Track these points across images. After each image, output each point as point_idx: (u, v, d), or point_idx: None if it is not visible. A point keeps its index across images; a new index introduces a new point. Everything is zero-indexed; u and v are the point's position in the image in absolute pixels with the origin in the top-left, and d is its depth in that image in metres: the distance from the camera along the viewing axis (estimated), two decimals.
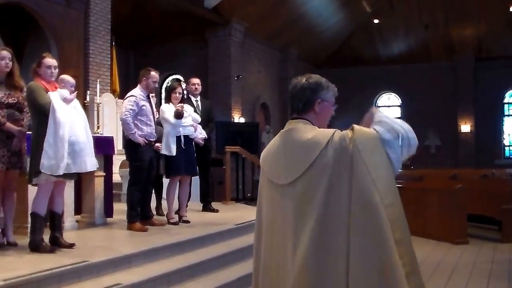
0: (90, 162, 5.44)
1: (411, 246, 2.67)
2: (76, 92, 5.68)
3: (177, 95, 7.42)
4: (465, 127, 22.85)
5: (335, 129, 2.72)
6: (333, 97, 2.91)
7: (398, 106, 24.87)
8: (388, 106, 25.13)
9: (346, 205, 2.58)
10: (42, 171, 5.10)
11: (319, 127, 2.80)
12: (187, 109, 7.48)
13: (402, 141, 2.73)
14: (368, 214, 2.56)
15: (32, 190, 5.62)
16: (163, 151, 7.18)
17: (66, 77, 5.74)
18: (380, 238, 2.55)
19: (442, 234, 9.92)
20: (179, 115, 7.19)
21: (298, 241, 2.64)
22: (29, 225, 5.52)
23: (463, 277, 7.32)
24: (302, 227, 2.63)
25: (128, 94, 6.97)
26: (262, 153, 2.98)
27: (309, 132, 2.73)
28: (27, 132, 5.55)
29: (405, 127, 2.76)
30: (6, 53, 5.53)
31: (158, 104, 7.67)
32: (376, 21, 22.21)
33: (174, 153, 7.14)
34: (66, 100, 5.34)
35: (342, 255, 2.56)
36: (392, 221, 2.59)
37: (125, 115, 6.74)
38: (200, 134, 7.80)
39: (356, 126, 2.70)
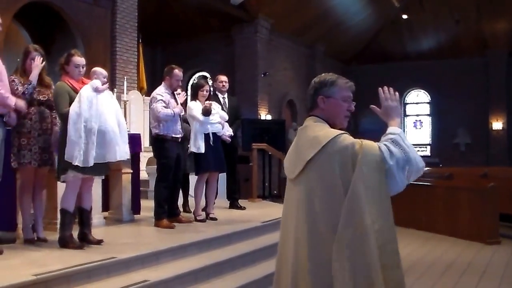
0: (119, 152, 5.43)
1: (399, 272, 2.66)
2: (107, 83, 5.70)
3: (205, 92, 7.41)
4: (497, 124, 22.41)
5: (342, 132, 2.77)
6: (340, 92, 2.94)
7: (427, 103, 24.58)
8: (417, 103, 24.88)
9: (338, 214, 2.63)
10: (73, 163, 5.11)
11: (331, 123, 2.90)
12: (215, 106, 7.47)
13: (409, 166, 2.72)
14: (357, 235, 2.59)
15: (61, 187, 5.66)
16: (192, 149, 7.17)
17: (99, 69, 5.77)
18: (365, 262, 2.57)
19: (473, 233, 9.77)
20: (207, 112, 7.18)
21: (296, 238, 2.75)
22: (58, 221, 5.56)
23: (495, 278, 7.19)
24: (300, 223, 2.75)
25: (153, 94, 6.96)
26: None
27: (317, 130, 2.83)
28: (56, 129, 5.59)
29: (412, 150, 2.75)
30: (37, 55, 5.55)
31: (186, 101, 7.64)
32: (405, 16, 21.94)
33: (202, 150, 7.12)
34: (98, 90, 5.36)
35: (328, 264, 2.62)
36: (380, 246, 2.60)
37: (159, 111, 6.70)
38: (227, 131, 7.78)
39: (365, 141, 2.72)
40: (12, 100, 5.09)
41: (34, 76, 5.43)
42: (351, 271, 2.55)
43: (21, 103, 5.23)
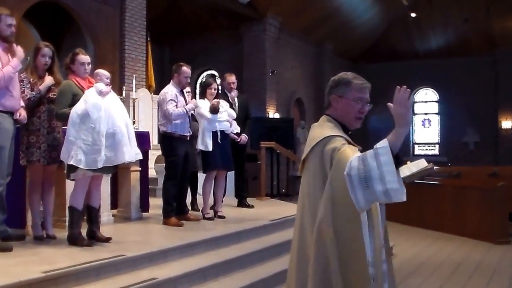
0: (128, 153, 5.44)
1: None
2: (110, 85, 5.71)
3: (213, 91, 7.42)
4: (506, 123, 22.25)
5: (331, 134, 2.80)
6: (353, 92, 2.91)
7: (436, 101, 24.50)
8: (425, 102, 24.80)
9: (315, 211, 2.77)
10: (80, 167, 5.13)
11: (343, 123, 2.94)
12: (223, 104, 7.47)
13: (371, 185, 2.50)
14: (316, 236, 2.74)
15: (70, 184, 5.68)
16: (199, 147, 7.18)
17: (101, 71, 5.79)
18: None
19: (482, 233, 9.74)
20: (215, 110, 7.18)
21: (295, 231, 2.96)
22: (67, 218, 5.58)
23: (505, 278, 7.17)
24: (297, 219, 2.97)
25: (162, 92, 6.97)
26: None
27: (317, 130, 2.92)
28: (63, 127, 5.60)
29: (382, 171, 2.49)
30: (47, 51, 5.61)
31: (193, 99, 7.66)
32: (413, 14, 21.82)
33: (210, 148, 7.13)
34: (102, 93, 5.37)
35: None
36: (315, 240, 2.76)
37: (171, 113, 6.71)
38: (235, 129, 7.78)
39: (344, 149, 2.68)
40: (21, 113, 5.23)
41: (44, 87, 5.49)
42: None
43: (23, 117, 5.27)
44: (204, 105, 7.26)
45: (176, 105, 6.80)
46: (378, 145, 2.52)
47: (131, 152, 5.48)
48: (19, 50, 5.19)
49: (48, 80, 5.51)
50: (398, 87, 2.54)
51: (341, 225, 2.65)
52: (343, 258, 2.64)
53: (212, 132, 7.22)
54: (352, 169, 2.53)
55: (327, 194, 2.68)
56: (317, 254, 2.69)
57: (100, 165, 5.19)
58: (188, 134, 6.99)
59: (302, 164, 2.94)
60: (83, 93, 5.39)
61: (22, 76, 5.45)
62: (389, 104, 2.57)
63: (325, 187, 2.69)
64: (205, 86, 7.53)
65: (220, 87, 8.13)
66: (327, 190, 2.68)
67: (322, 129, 2.88)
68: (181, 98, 6.94)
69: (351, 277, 2.63)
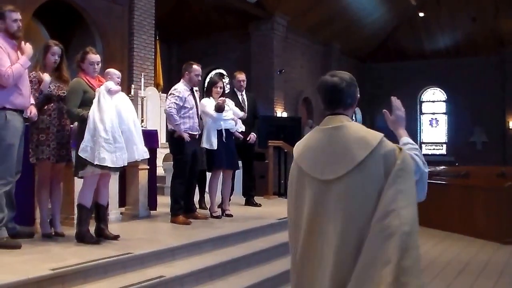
0: (138, 152, 5.49)
1: (419, 280, 2.56)
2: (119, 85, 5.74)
3: (218, 89, 7.42)
4: None
5: (382, 134, 2.71)
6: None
7: (443, 101, 24.44)
8: (433, 101, 24.74)
9: (371, 215, 2.59)
10: (105, 164, 5.15)
11: None
12: (228, 103, 7.48)
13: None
14: (383, 236, 2.54)
15: (78, 182, 5.70)
16: (204, 145, 7.17)
17: (112, 70, 5.79)
18: (384, 260, 2.51)
19: (490, 233, 9.70)
20: (219, 108, 7.19)
21: (340, 243, 2.62)
22: (75, 216, 5.61)
23: None
24: (345, 224, 2.61)
25: (172, 89, 7.01)
26: (298, 148, 2.91)
27: (359, 130, 2.73)
28: (71, 126, 5.64)
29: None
30: (57, 49, 5.61)
31: (201, 98, 7.68)
32: (421, 14, 21.80)
33: (215, 146, 7.14)
34: (111, 92, 5.39)
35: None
36: (404, 249, 2.52)
37: (169, 107, 6.80)
38: (240, 128, 7.77)
39: (403, 148, 2.74)
40: (32, 111, 5.25)
41: (44, 87, 5.47)
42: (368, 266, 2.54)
43: (33, 114, 5.30)
44: (209, 104, 7.26)
45: (183, 105, 6.84)
46: (408, 140, 2.92)
47: (139, 151, 5.51)
48: (27, 47, 5.22)
49: (46, 78, 5.50)
50: (392, 97, 3.03)
51: (417, 230, 2.64)
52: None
53: (217, 130, 7.23)
54: (424, 165, 2.81)
55: (412, 196, 2.64)
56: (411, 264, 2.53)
57: (122, 163, 5.25)
58: (197, 132, 7.01)
59: (349, 167, 2.69)
60: (93, 91, 5.41)
61: (31, 76, 5.46)
62: (385, 110, 3.01)
63: (404, 189, 2.60)
64: (211, 85, 7.54)
65: (229, 86, 8.13)
66: (409, 192, 2.62)
67: (364, 128, 2.76)
68: (190, 98, 6.95)
69: None
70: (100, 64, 5.65)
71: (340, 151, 2.70)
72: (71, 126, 5.63)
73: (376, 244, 2.53)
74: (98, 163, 5.14)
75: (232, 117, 7.42)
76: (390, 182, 2.59)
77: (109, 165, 5.17)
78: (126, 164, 5.37)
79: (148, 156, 5.88)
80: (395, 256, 2.49)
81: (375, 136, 2.69)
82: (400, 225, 2.53)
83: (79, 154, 5.21)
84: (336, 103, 2.84)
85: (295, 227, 2.86)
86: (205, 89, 7.76)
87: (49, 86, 5.50)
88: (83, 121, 5.27)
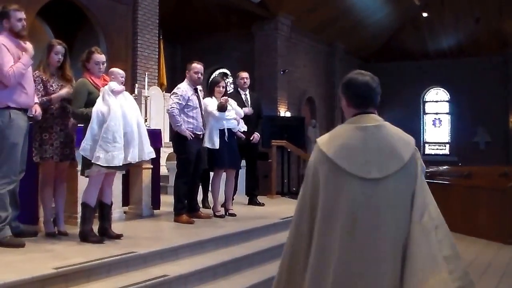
0: (142, 152, 5.50)
1: (460, 261, 2.70)
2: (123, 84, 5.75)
3: (221, 89, 7.43)
4: None
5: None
6: None
7: (447, 101, 24.40)
8: (436, 101, 24.71)
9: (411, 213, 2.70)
10: (98, 163, 5.16)
11: None
12: (231, 102, 7.49)
13: None
14: (425, 234, 2.65)
15: (82, 181, 5.72)
16: (207, 144, 7.17)
17: (116, 70, 5.79)
18: (429, 254, 2.61)
19: (493, 233, 9.69)
20: (222, 108, 7.19)
21: (395, 243, 2.67)
22: (79, 215, 5.62)
23: None
24: (397, 220, 2.67)
25: (176, 88, 7.03)
26: (332, 146, 2.80)
27: (397, 130, 2.84)
28: (78, 125, 5.64)
29: None
30: (60, 48, 5.61)
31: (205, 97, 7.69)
32: (425, 14, 21.78)
33: (217, 146, 7.14)
34: (114, 92, 5.40)
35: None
36: (440, 241, 2.65)
37: (171, 107, 6.82)
38: (242, 128, 7.77)
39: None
40: (37, 110, 5.26)
41: (57, 97, 5.50)
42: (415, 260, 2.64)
43: (38, 113, 5.29)
44: (211, 103, 7.27)
45: (186, 104, 6.86)
46: None
47: (143, 151, 5.52)
48: (29, 46, 5.23)
49: (64, 91, 5.52)
50: None
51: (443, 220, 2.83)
52: None
53: (220, 130, 7.24)
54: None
55: (429, 191, 2.78)
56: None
57: (118, 163, 5.24)
58: (201, 132, 7.02)
59: (398, 166, 2.72)
60: (98, 91, 5.42)
61: (35, 76, 5.47)
62: None
63: (426, 187, 2.76)
64: (213, 84, 7.54)
65: (232, 86, 8.14)
66: (428, 188, 2.77)
67: (399, 129, 2.85)
68: (193, 97, 6.96)
69: None
70: (105, 64, 5.67)
71: (387, 150, 2.73)
72: (73, 123, 5.61)
73: (421, 243, 2.62)
74: (94, 162, 5.16)
75: (235, 117, 7.43)
76: (419, 182, 2.72)
77: (102, 164, 5.18)
78: (121, 164, 5.31)
79: (154, 156, 5.89)
80: (438, 250, 2.62)
81: (410, 137, 2.81)
82: (432, 221, 2.67)
83: (79, 152, 5.23)
84: (369, 102, 2.85)
85: (326, 227, 2.75)
86: (207, 88, 7.77)
87: (52, 85, 5.53)
88: (88, 120, 5.28)
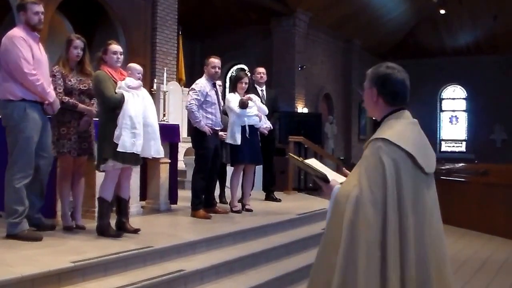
0: (154, 148, 5.50)
1: None
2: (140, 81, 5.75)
3: (243, 85, 7.44)
4: None
5: None
6: None
7: (464, 99, 24.28)
8: (453, 99, 24.58)
9: None
10: (120, 150, 5.15)
11: None
12: (255, 99, 7.48)
13: None
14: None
15: (99, 175, 5.74)
16: (228, 140, 7.21)
17: (133, 65, 5.79)
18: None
19: (509, 231, 9.61)
20: (243, 105, 7.21)
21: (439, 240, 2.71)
22: (96, 209, 5.64)
23: None
24: (439, 216, 2.74)
25: (194, 83, 7.05)
26: (406, 139, 2.65)
27: None
28: (94, 119, 5.67)
29: None
30: (79, 43, 5.63)
31: (224, 93, 7.72)
32: (442, 11, 21.59)
33: (239, 142, 7.16)
34: (130, 87, 5.41)
35: None
36: None
37: (190, 103, 6.84)
38: (265, 124, 7.77)
39: None
40: (52, 96, 5.18)
41: (82, 107, 5.53)
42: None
43: (56, 106, 5.27)
44: (233, 99, 7.29)
45: (205, 99, 6.88)
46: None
47: (156, 148, 5.54)
48: (55, 101, 5.25)
49: (92, 111, 5.58)
50: None
51: None
52: None
53: (241, 126, 7.26)
54: None
55: None
56: None
57: (137, 150, 5.24)
58: (219, 128, 7.04)
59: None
60: (115, 83, 5.43)
61: (55, 71, 5.49)
62: None
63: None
64: (236, 80, 7.55)
65: (250, 81, 8.13)
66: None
67: None
68: (212, 92, 6.98)
69: None
70: (122, 55, 5.64)
71: (430, 147, 2.78)
72: (96, 119, 5.63)
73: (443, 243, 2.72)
74: (119, 150, 5.17)
75: (257, 113, 7.42)
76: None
77: (126, 150, 5.17)
78: (139, 152, 5.31)
79: (162, 155, 5.85)
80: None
81: None
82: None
83: (113, 141, 5.21)
84: (406, 98, 2.79)
85: (400, 217, 2.57)
86: (229, 84, 7.77)
87: (71, 80, 5.55)
88: (121, 106, 5.27)
